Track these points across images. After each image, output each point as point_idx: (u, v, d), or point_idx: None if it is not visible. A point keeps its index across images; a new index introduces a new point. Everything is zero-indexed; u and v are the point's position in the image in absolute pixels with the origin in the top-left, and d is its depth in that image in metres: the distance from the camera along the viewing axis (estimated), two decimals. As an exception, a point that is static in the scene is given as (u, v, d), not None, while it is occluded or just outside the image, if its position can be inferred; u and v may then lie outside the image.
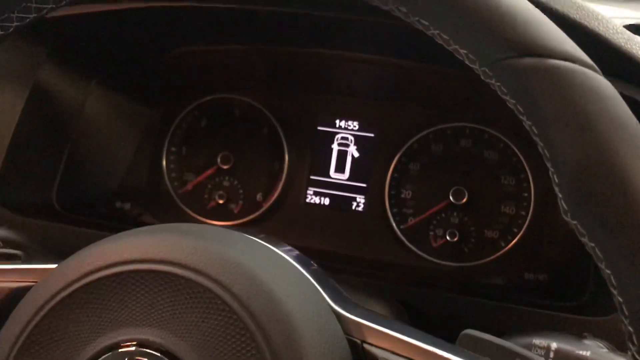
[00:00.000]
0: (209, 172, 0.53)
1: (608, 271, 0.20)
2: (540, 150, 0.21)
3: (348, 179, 0.53)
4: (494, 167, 0.49)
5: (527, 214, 0.48)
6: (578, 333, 0.33)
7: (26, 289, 0.25)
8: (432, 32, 0.22)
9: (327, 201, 0.53)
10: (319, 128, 0.53)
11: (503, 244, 0.49)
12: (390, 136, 0.51)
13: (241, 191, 0.57)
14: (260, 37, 0.48)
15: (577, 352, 0.32)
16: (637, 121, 0.23)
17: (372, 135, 0.51)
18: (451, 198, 0.49)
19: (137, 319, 0.23)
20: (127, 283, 0.23)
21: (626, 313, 0.20)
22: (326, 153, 0.53)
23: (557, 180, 0.21)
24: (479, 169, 0.50)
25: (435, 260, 0.49)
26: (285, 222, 0.53)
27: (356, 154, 0.53)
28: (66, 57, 0.43)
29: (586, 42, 0.24)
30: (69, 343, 0.23)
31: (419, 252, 0.49)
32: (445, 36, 0.22)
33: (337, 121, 0.53)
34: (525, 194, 0.49)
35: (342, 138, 0.54)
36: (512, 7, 0.22)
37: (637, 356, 0.20)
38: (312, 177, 0.53)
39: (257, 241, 0.27)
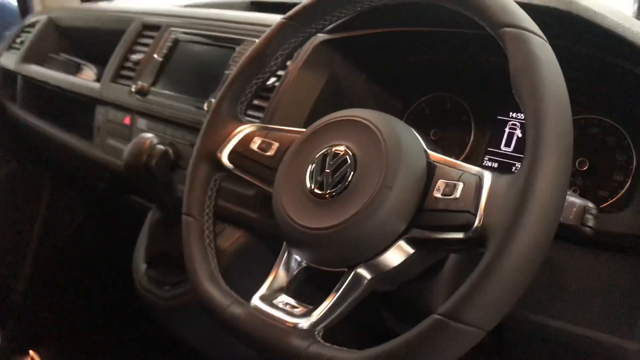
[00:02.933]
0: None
1: None
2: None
3: (512, 151, 0.77)
4: (611, 148, 0.68)
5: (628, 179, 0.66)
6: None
7: None
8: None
9: (496, 165, 0.78)
10: (498, 117, 0.79)
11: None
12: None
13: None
14: (466, 52, 0.78)
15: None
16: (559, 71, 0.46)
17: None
18: (576, 165, 0.69)
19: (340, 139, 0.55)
20: (341, 124, 0.57)
21: None
22: (500, 133, 0.78)
23: None
24: (600, 148, 0.69)
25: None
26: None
27: (520, 135, 0.77)
28: (350, 55, 0.81)
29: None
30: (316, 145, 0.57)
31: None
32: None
33: (511, 113, 0.78)
34: (631, 167, 0.66)
35: (512, 124, 0.78)
36: None
37: None
38: (488, 148, 0.79)
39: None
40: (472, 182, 0.46)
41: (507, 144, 0.77)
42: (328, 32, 0.79)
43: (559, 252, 0.58)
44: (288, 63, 0.80)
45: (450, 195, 0.47)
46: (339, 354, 0.46)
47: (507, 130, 0.78)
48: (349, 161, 0.52)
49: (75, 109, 1.22)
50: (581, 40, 0.62)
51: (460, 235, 0.46)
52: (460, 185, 0.47)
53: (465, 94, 0.82)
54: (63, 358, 1.65)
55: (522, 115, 0.76)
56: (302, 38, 0.64)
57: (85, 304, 1.70)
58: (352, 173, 0.51)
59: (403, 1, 0.58)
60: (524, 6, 0.49)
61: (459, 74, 0.82)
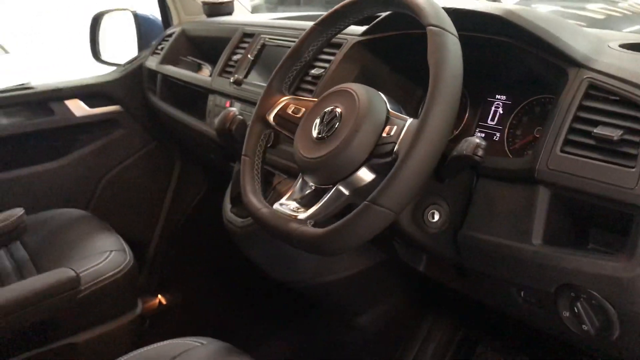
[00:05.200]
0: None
1: None
2: None
3: (495, 124, 1.00)
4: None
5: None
6: None
7: None
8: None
9: (483, 135, 1.01)
10: (487, 99, 1.02)
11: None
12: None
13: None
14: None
15: None
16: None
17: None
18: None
19: (335, 102, 0.84)
20: (337, 93, 0.86)
21: None
22: (487, 111, 1.01)
23: None
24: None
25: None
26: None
27: (501, 112, 1.00)
28: (377, 52, 1.09)
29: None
30: (321, 107, 0.86)
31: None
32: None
33: (497, 95, 1.01)
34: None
35: (497, 104, 1.01)
36: None
37: None
38: (479, 122, 1.02)
39: None
40: (401, 125, 0.73)
41: (492, 119, 1.00)
42: (360, 34, 1.08)
43: (490, 187, 0.82)
44: (331, 58, 1.09)
45: (389, 134, 0.74)
46: (308, 229, 0.75)
47: (492, 108, 1.01)
48: (337, 116, 0.80)
49: (196, 98, 1.59)
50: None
51: (388, 159, 0.73)
52: (395, 128, 0.74)
53: (464, 81, 1.06)
54: (184, 301, 2.02)
55: (504, 97, 0.99)
56: (326, 38, 0.93)
57: (202, 256, 2.09)
58: (337, 123, 0.79)
59: (373, 14, 0.86)
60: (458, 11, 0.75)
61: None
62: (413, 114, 0.76)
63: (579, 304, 0.71)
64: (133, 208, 2.04)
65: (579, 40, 0.81)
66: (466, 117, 1.04)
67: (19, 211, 1.31)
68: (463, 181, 0.83)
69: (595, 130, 0.69)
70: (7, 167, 1.80)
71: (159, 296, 2.00)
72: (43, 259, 1.42)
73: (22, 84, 1.84)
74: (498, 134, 0.98)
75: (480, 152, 0.72)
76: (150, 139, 2.04)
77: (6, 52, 4.87)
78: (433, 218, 0.83)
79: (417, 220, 0.83)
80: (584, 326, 0.71)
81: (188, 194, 2.14)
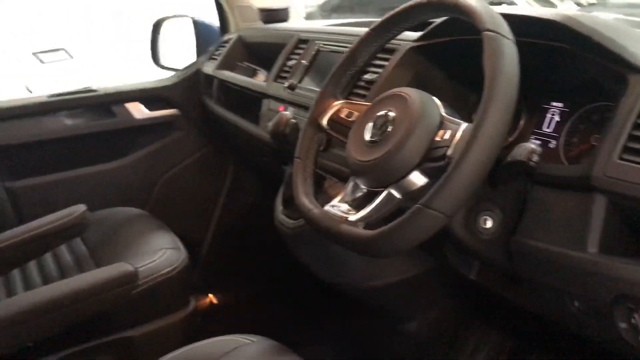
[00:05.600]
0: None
1: None
2: None
3: (551, 131, 0.99)
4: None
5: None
6: None
7: None
8: None
9: (538, 142, 1.00)
10: (543, 105, 1.00)
11: None
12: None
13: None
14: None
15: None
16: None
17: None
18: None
19: (388, 106, 0.84)
20: (390, 97, 0.86)
21: None
22: (543, 118, 0.99)
23: None
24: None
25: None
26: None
27: (558, 119, 0.98)
28: (431, 58, 1.09)
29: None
30: (374, 111, 0.87)
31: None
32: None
33: (552, 102, 1.00)
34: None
35: (552, 111, 0.99)
36: None
37: None
38: (534, 129, 1.01)
39: None
40: (454, 129, 0.74)
41: (548, 126, 0.99)
42: (415, 40, 1.08)
43: (545, 194, 0.81)
44: (385, 64, 1.10)
45: (443, 138, 0.75)
46: (359, 231, 0.76)
47: (548, 115, 0.99)
48: (390, 119, 0.81)
49: (250, 102, 1.63)
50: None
51: (441, 163, 0.73)
52: (448, 132, 0.74)
53: (520, 87, 1.04)
54: (235, 300, 2.07)
55: (560, 104, 0.98)
56: (380, 43, 0.94)
57: (254, 257, 2.13)
58: (390, 127, 0.80)
59: (427, 20, 0.86)
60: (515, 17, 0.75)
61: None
62: (467, 119, 0.75)
63: (636, 316, 0.69)
64: (188, 208, 2.10)
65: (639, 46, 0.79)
66: (521, 123, 1.03)
67: (81, 208, 1.37)
68: (517, 188, 0.82)
69: None
70: (70, 166, 1.88)
71: (211, 295, 2.07)
72: (102, 255, 1.48)
73: (86, 88, 1.93)
74: (554, 141, 0.96)
75: (535, 158, 0.72)
76: (206, 142, 2.09)
77: (70, 57, 5.08)
78: (485, 224, 0.83)
79: (469, 226, 0.83)
80: (641, 338, 0.70)
81: (241, 196, 2.18)
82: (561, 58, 0.88)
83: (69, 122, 1.90)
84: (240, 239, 2.17)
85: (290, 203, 1.21)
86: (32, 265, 1.49)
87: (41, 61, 4.89)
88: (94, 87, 1.93)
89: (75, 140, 1.90)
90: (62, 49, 5.05)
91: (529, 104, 1.02)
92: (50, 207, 1.40)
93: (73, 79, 4.13)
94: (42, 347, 1.25)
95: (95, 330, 1.32)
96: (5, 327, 1.03)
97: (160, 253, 1.41)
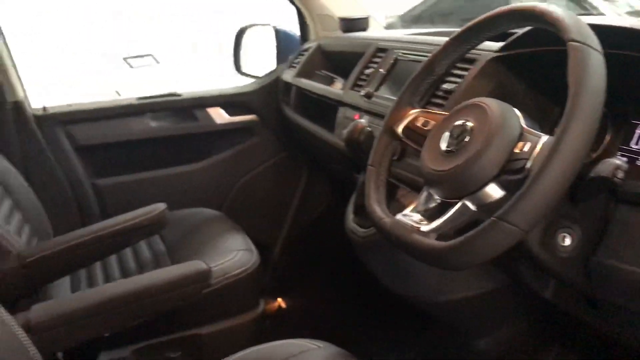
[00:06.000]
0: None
1: None
2: None
3: None
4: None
5: None
6: None
7: None
8: None
9: (625, 159, 0.95)
10: (632, 121, 0.95)
11: None
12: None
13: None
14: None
15: None
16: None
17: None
18: None
19: (466, 116, 0.83)
20: (469, 107, 0.85)
21: None
22: (631, 134, 0.94)
23: None
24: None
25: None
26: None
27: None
28: (513, 69, 1.06)
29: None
30: (451, 120, 0.86)
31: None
32: None
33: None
34: None
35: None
36: None
37: None
38: (621, 146, 0.96)
39: None
40: (535, 141, 0.71)
41: (636, 143, 0.94)
42: (497, 50, 1.06)
43: (630, 213, 0.77)
44: (465, 74, 1.08)
45: (522, 150, 0.72)
46: (431, 241, 0.74)
47: (637, 131, 0.94)
48: (467, 129, 0.80)
49: (327, 110, 1.65)
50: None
51: (519, 176, 0.71)
52: (528, 144, 0.72)
53: (606, 101, 1.00)
54: (303, 305, 2.08)
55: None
56: (460, 53, 0.93)
57: (324, 264, 2.14)
58: (467, 137, 0.79)
59: (510, 29, 0.83)
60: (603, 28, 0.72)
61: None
62: (549, 132, 0.73)
63: None
64: (262, 212, 2.14)
65: None
66: (607, 139, 0.98)
67: (161, 206, 1.43)
68: (599, 205, 0.79)
69: None
70: (153, 167, 1.97)
71: (280, 299, 2.08)
72: (178, 253, 1.54)
73: (171, 92, 2.01)
74: (643, 160, 0.92)
75: (620, 175, 0.68)
76: (282, 148, 2.14)
77: (157, 62, 5.31)
78: (564, 242, 0.79)
79: (546, 243, 0.80)
80: None
81: (313, 203, 2.21)
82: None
83: (153, 124, 1.99)
84: (311, 244, 2.19)
85: (362, 211, 1.21)
86: (112, 259, 1.57)
87: (130, 66, 5.15)
88: (178, 92, 2.01)
89: (158, 141, 1.99)
90: (150, 55, 5.30)
91: (617, 118, 0.98)
92: (132, 205, 1.47)
93: (159, 83, 4.32)
94: (117, 338, 1.30)
95: (167, 326, 1.36)
96: (85, 316, 1.09)
97: (233, 254, 1.45)
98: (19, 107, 1.78)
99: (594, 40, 0.70)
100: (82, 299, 1.14)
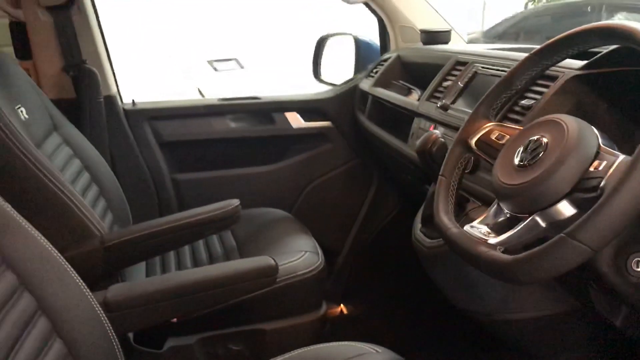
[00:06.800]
0: None
1: None
2: None
3: None
4: None
5: None
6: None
7: None
8: None
9: None
10: None
11: None
12: None
13: None
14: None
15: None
16: None
17: None
18: None
19: (542, 132, 0.83)
20: (545, 123, 0.84)
21: None
22: None
23: None
24: None
25: None
26: None
27: None
28: (595, 88, 1.04)
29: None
30: (526, 135, 0.86)
31: None
32: None
33: None
34: None
35: None
36: None
37: None
38: None
39: None
40: (611, 161, 0.70)
41: None
42: (579, 68, 1.04)
43: None
44: (544, 90, 1.07)
45: (597, 169, 0.71)
46: (498, 254, 0.74)
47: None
48: (542, 145, 0.79)
49: (402, 120, 1.66)
50: None
51: (593, 194, 0.70)
52: (604, 163, 0.71)
53: None
54: (364, 312, 2.10)
55: None
56: (540, 69, 0.92)
57: (388, 272, 2.14)
58: (541, 152, 0.78)
59: (593, 47, 0.82)
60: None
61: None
62: (628, 154, 0.72)
63: None
64: (330, 217, 2.17)
65: None
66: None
67: (235, 202, 1.49)
68: (678, 231, 0.76)
69: None
70: (229, 165, 2.05)
71: (342, 305, 2.12)
72: (247, 249, 1.59)
73: (252, 96, 2.09)
74: None
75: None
76: (354, 156, 2.16)
77: (241, 67, 5.48)
78: (638, 267, 0.77)
79: (618, 266, 0.78)
80: None
81: (381, 212, 2.22)
82: None
83: (233, 124, 2.07)
84: (377, 253, 2.20)
85: (430, 222, 1.21)
86: (186, 249, 1.64)
87: (215, 69, 5.34)
88: (258, 95, 2.08)
89: (236, 142, 2.06)
90: (234, 59, 5.48)
91: None
92: (207, 201, 1.54)
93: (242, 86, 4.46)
94: (185, 326, 1.36)
95: (232, 319, 1.41)
96: (158, 299, 1.15)
97: (300, 254, 1.48)
98: (111, 101, 1.90)
99: None
100: (155, 283, 1.20)
